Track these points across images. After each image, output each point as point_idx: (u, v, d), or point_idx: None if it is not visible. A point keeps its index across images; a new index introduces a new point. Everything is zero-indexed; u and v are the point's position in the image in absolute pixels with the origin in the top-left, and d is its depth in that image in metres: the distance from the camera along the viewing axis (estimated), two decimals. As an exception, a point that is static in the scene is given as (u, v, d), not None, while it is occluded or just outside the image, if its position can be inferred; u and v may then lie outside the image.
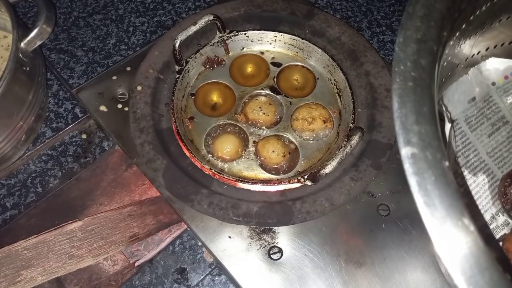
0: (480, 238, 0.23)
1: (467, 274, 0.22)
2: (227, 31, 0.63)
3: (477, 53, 0.54)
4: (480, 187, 0.53)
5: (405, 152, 0.24)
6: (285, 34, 0.64)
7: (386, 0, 0.76)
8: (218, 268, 0.53)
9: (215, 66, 0.64)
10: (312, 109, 0.59)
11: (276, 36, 0.64)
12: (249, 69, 0.65)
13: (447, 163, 0.24)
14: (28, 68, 0.55)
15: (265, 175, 0.56)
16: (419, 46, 0.27)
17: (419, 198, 0.23)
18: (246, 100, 0.61)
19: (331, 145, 0.58)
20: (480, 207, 0.51)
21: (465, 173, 0.53)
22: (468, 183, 0.52)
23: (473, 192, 0.52)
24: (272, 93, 0.62)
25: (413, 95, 0.25)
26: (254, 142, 0.58)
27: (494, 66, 0.56)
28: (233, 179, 0.53)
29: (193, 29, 0.59)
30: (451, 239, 0.23)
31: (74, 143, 0.61)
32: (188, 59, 0.61)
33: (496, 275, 0.22)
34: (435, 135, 0.24)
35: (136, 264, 0.54)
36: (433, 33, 0.27)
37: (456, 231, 0.23)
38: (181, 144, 0.56)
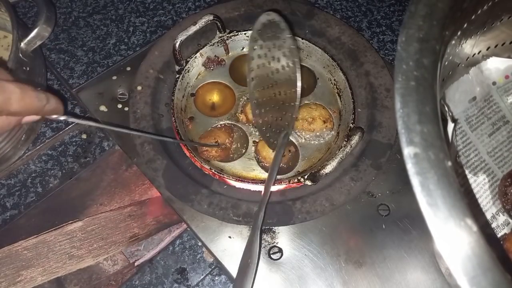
0: (483, 238, 0.23)
1: (470, 275, 0.22)
2: (227, 31, 0.63)
3: (478, 53, 0.54)
4: (480, 186, 0.53)
5: (408, 152, 0.24)
6: (285, 34, 0.64)
7: (386, 0, 0.76)
8: (218, 268, 0.53)
9: (215, 66, 0.64)
10: (312, 109, 0.59)
11: (276, 36, 0.64)
12: (249, 69, 0.65)
13: (449, 163, 0.24)
14: (28, 68, 0.55)
15: (265, 175, 0.56)
16: (421, 45, 0.26)
17: (421, 198, 0.23)
18: (246, 100, 0.61)
19: (331, 145, 0.58)
20: (480, 206, 0.51)
21: (466, 172, 0.53)
22: (469, 182, 0.52)
23: (473, 192, 0.52)
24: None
25: (416, 94, 0.25)
26: (254, 142, 0.58)
27: (495, 65, 0.56)
28: (233, 179, 0.53)
29: (193, 29, 0.59)
30: (453, 239, 0.23)
31: (74, 143, 0.61)
32: (188, 59, 0.61)
33: (499, 275, 0.22)
34: (437, 134, 0.24)
35: (136, 264, 0.53)
36: (435, 32, 0.27)
37: (458, 231, 0.23)
38: (181, 144, 0.56)
